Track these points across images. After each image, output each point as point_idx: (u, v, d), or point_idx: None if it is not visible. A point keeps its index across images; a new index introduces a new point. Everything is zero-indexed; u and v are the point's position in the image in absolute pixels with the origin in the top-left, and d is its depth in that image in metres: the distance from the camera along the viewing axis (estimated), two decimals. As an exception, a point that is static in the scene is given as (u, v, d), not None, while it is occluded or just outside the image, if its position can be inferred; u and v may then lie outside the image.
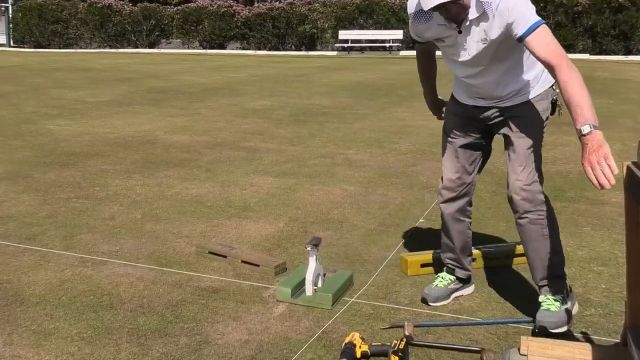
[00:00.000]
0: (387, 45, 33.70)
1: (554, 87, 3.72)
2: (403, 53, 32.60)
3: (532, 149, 3.70)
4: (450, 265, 4.24)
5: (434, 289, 4.19)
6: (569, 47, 29.75)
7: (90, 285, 4.43)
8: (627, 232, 2.90)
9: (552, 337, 3.44)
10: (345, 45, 34.68)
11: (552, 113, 3.82)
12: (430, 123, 10.98)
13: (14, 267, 4.73)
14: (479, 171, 4.12)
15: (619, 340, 3.60)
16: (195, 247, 5.08)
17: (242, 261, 4.73)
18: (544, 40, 3.34)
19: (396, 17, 34.69)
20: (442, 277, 4.23)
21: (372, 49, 34.28)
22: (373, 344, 3.48)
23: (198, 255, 4.94)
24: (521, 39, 3.38)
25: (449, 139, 4.07)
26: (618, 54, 30.39)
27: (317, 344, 3.63)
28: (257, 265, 4.64)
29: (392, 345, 3.40)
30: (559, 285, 3.76)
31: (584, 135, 3.00)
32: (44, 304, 4.15)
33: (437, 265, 4.61)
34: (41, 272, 4.66)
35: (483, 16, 3.49)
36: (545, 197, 3.74)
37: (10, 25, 42.69)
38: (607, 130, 9.82)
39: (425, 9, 3.46)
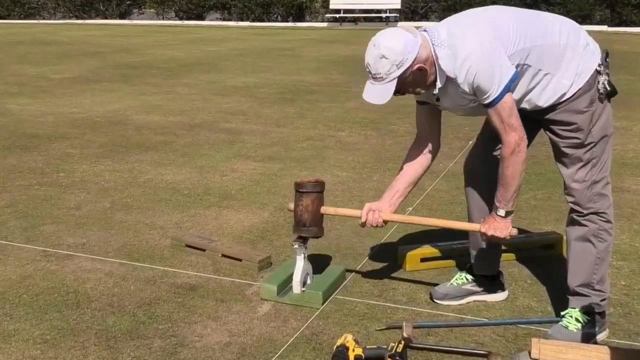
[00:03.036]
0: (384, 15, 33.59)
1: (598, 67, 3.54)
2: (401, 24, 32.58)
3: (584, 152, 3.59)
4: (472, 259, 4.19)
5: (444, 286, 4.19)
6: (584, 18, 29.72)
7: (54, 281, 4.41)
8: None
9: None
10: (337, 15, 34.56)
11: (609, 95, 3.58)
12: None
13: (-32, 262, 4.71)
14: None
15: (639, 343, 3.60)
16: (170, 239, 5.06)
17: (223, 255, 4.71)
18: (503, 115, 3.45)
19: (394, -15, 34.61)
20: (460, 275, 4.22)
21: (366, 19, 34.19)
22: (368, 346, 3.46)
23: (173, 249, 4.92)
24: (486, 107, 3.48)
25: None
26: (639, 25, 30.35)
27: (305, 347, 3.62)
28: (239, 260, 4.63)
29: (389, 348, 3.38)
30: (590, 306, 3.71)
31: (498, 215, 3.63)
32: (2, 302, 4.13)
33: (439, 260, 4.62)
34: (0, 267, 4.65)
35: (451, 81, 3.51)
36: (606, 204, 3.67)
37: (-35, -7, 42.41)
38: (627, 109, 9.83)
39: (377, 103, 3.59)
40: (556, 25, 3.57)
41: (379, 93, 3.53)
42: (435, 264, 4.62)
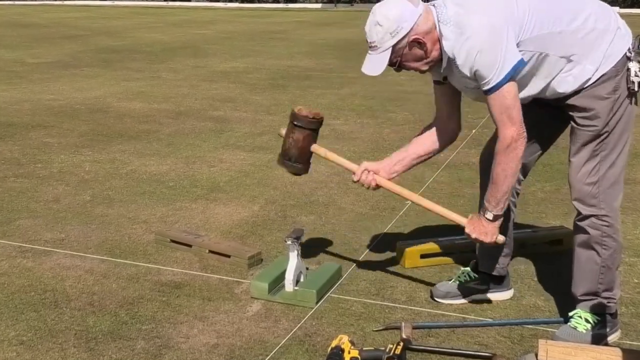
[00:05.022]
0: (381, -4, 33.59)
1: (628, 53, 3.51)
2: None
3: (596, 144, 3.54)
4: (478, 254, 4.17)
5: (445, 284, 4.18)
6: None
7: (31, 279, 4.39)
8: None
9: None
10: (332, -4, 34.58)
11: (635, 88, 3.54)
12: (431, 89, 10.93)
13: (-61, 259, 4.70)
14: (541, 153, 3.96)
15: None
16: (154, 234, 5.04)
17: (210, 251, 4.70)
18: (503, 104, 3.41)
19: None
20: (462, 272, 4.21)
21: (363, 0, 34.18)
22: (364, 348, 3.46)
23: (158, 244, 4.91)
24: (485, 94, 3.44)
25: None
26: (652, 7, 30.38)
27: (298, 349, 3.61)
28: (228, 256, 4.62)
29: (387, 350, 3.38)
30: (599, 306, 3.69)
31: (486, 217, 3.63)
32: (-25, 302, 4.12)
33: (440, 257, 4.61)
34: (-28, 264, 4.63)
35: (453, 62, 3.48)
36: (610, 207, 3.62)
37: None
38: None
39: (370, 74, 3.56)
40: (582, 8, 3.51)
41: (373, 63, 3.53)
42: (436, 260, 4.61)
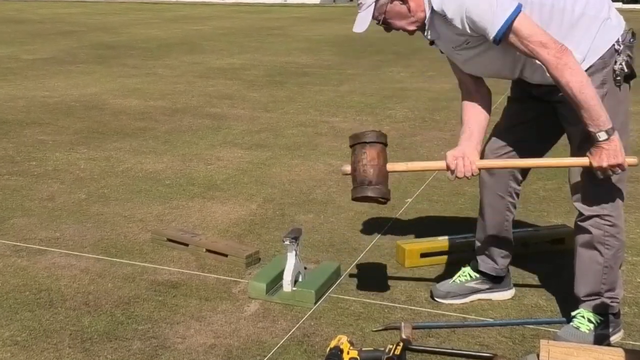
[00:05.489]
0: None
1: (617, 46, 3.48)
2: None
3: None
4: (477, 254, 4.17)
5: (446, 283, 4.17)
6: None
7: (26, 278, 4.39)
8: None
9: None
10: (331, -8, 34.53)
11: (627, 78, 3.52)
12: (432, 85, 10.95)
13: None
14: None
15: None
16: (150, 233, 5.04)
17: (207, 250, 4.69)
18: (523, 38, 3.31)
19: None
20: (463, 272, 4.19)
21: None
22: (363, 349, 3.45)
23: (154, 243, 4.91)
24: (497, 42, 3.34)
25: (508, 105, 3.96)
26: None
27: (296, 349, 3.61)
28: (225, 255, 4.61)
29: (387, 350, 3.37)
30: (602, 306, 3.68)
31: (601, 140, 3.31)
32: (-32, 301, 4.12)
33: (440, 256, 4.60)
34: (-35, 263, 4.62)
35: (441, 19, 3.46)
36: (613, 205, 3.60)
37: None
38: (641, 94, 9.83)
39: (357, 31, 3.58)
40: None
41: (359, 21, 3.56)
42: (436, 260, 4.60)
